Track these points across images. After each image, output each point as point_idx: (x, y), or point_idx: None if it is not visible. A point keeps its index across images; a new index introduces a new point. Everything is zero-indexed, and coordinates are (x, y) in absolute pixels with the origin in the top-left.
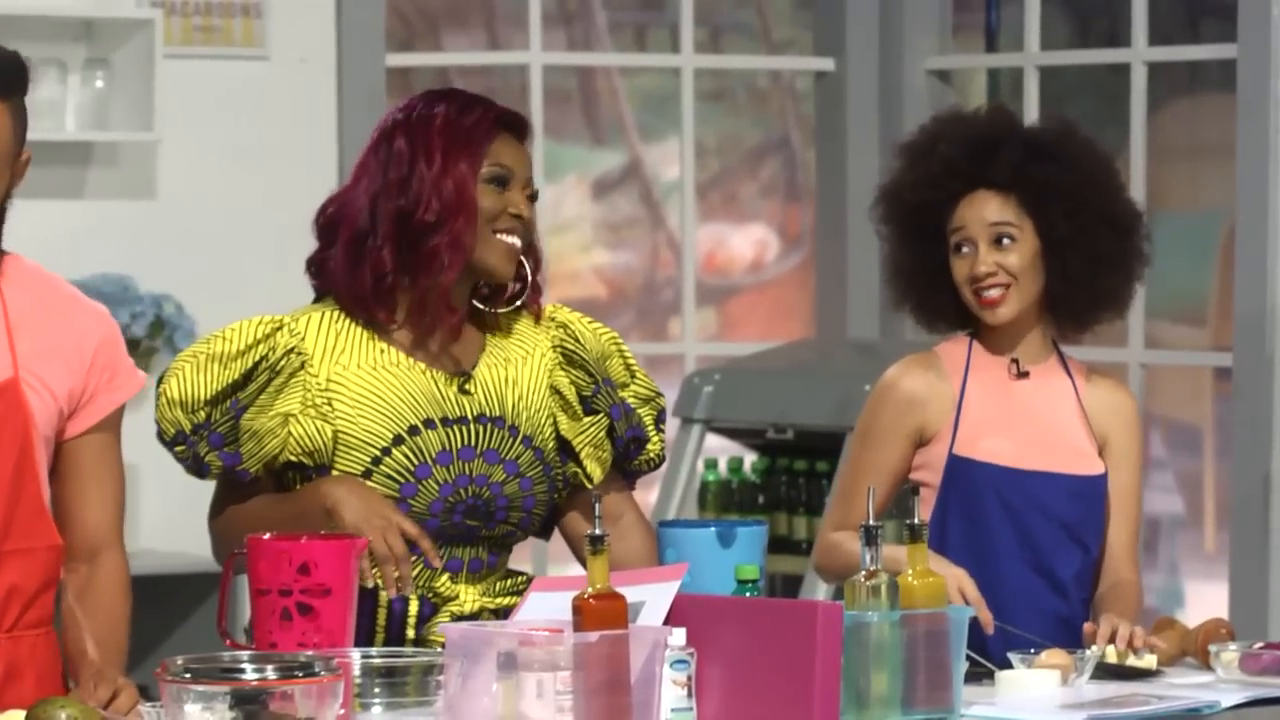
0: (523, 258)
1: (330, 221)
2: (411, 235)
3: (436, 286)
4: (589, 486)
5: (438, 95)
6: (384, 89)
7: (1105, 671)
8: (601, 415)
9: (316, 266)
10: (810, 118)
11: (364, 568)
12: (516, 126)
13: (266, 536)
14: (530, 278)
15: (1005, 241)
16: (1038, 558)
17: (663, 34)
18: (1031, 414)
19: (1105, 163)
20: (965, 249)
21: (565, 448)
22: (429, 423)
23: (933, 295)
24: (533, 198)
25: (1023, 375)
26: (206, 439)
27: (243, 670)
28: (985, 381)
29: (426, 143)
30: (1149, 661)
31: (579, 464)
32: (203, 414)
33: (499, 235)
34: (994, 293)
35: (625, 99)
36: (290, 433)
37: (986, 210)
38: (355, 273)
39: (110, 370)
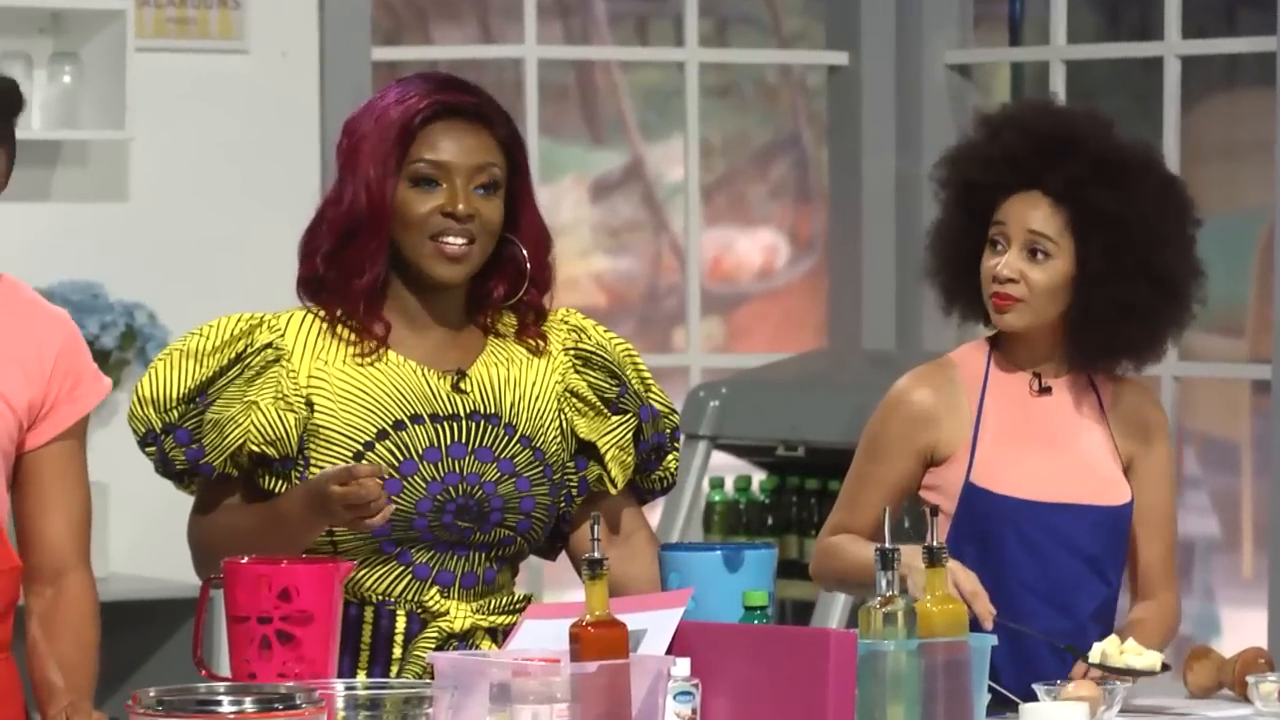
0: (514, 239)
1: None
2: (337, 242)
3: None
4: (612, 492)
5: (398, 83)
6: (369, 85)
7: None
8: (630, 415)
9: None
10: (822, 115)
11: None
12: (463, 110)
13: (244, 560)
14: (527, 267)
15: (1038, 255)
16: (1057, 593)
17: (666, 26)
18: (1054, 436)
19: (1176, 210)
20: (999, 245)
21: (587, 450)
22: (416, 418)
23: (961, 275)
24: (489, 187)
25: (1045, 391)
26: (174, 435)
27: (219, 703)
28: (1004, 397)
29: (357, 145)
30: (1150, 661)
31: (603, 466)
32: (175, 413)
33: (434, 240)
34: (1007, 299)
35: (626, 95)
36: (252, 420)
37: (1032, 215)
38: (302, 269)
39: (73, 378)
